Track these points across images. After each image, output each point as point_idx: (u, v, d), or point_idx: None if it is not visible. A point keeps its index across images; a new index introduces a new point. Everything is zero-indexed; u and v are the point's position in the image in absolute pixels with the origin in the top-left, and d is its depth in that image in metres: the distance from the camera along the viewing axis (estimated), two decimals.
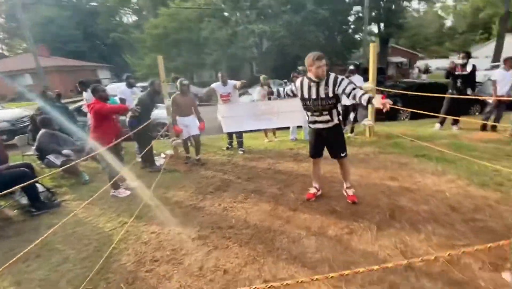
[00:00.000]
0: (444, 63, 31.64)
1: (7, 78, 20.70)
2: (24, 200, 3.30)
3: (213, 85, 5.14)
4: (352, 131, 5.78)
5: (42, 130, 3.83)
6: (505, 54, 16.87)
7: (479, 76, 7.40)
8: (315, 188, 3.00)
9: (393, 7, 22.32)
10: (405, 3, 23.32)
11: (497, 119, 5.21)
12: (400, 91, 7.97)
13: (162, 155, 5.16)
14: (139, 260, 2.18)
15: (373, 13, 22.18)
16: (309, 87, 2.52)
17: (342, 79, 2.47)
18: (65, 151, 3.83)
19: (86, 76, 26.19)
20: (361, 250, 2.07)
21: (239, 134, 5.16)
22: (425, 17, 42.51)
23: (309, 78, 2.50)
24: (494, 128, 5.27)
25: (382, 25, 23.80)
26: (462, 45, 39.08)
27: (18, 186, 1.91)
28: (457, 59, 5.38)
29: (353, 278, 1.80)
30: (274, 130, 6.00)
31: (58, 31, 29.59)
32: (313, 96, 2.52)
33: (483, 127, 5.35)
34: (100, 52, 35.73)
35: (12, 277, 2.11)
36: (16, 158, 4.76)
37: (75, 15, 32.18)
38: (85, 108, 5.74)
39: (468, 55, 5.25)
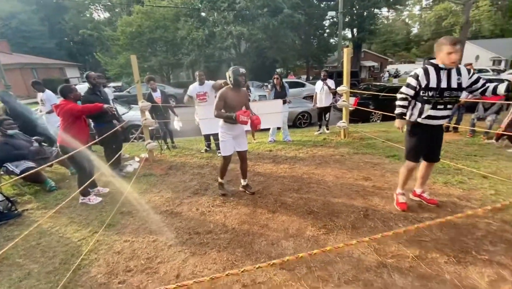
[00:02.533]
0: (411, 67, 33.74)
1: None
2: None
3: (190, 87, 5.05)
4: (327, 129, 6.28)
5: None
6: (465, 60, 18.37)
7: None
8: (403, 194, 2.73)
9: (365, 13, 23.40)
10: (376, 10, 24.53)
11: (458, 121, 5.64)
12: (373, 94, 8.34)
13: (136, 159, 4.96)
14: (111, 271, 2.06)
15: (347, 19, 23.10)
16: (438, 76, 2.20)
17: (473, 71, 2.32)
18: (24, 164, 3.51)
19: (52, 75, 24.58)
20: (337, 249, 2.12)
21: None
22: (394, 24, 45.14)
23: (435, 66, 2.21)
24: (456, 129, 5.71)
25: (355, 30, 24.85)
26: (428, 51, 42.06)
27: None
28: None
29: (329, 277, 1.84)
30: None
31: (21, 26, 27.49)
32: (443, 85, 2.19)
33: (446, 129, 5.76)
34: (69, 49, 33.73)
35: None
36: None
37: (40, 10, 30.10)
38: (38, 113, 5.20)
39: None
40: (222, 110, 2.85)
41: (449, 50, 2.10)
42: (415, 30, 51.03)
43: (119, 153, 4.11)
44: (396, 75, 22.50)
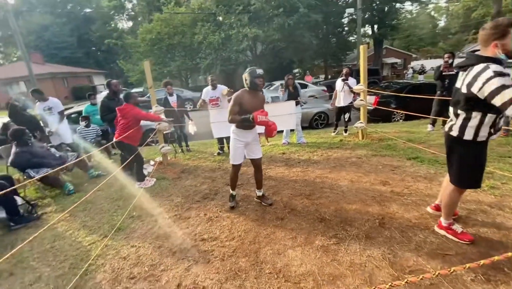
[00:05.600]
0: (437, 63, 31.97)
1: (1, 86, 20.55)
2: (2, 214, 3.17)
3: (203, 91, 5.08)
4: (345, 131, 5.87)
5: (16, 150, 3.62)
6: None
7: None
8: (454, 223, 2.17)
9: (386, 8, 22.45)
10: (398, 5, 23.45)
11: None
12: (393, 93, 7.92)
13: (151, 162, 5.05)
14: (116, 277, 2.06)
15: (366, 15, 22.31)
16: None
17: None
18: (45, 170, 3.67)
19: (81, 83, 26.13)
20: (348, 261, 1.97)
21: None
22: (418, 18, 42.99)
23: (496, 60, 1.69)
24: None
25: (375, 26, 23.92)
26: (456, 45, 39.57)
27: None
28: (446, 59, 5.33)
29: None
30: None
31: (52, 38, 29.56)
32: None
33: None
34: (95, 58, 35.71)
35: None
36: (0, 168, 4.64)
37: (70, 22, 32.15)
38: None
39: (452, 55, 5.23)
40: (237, 115, 2.61)
41: None
42: (441, 23, 48.29)
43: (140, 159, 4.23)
44: (422, 71, 21.12)
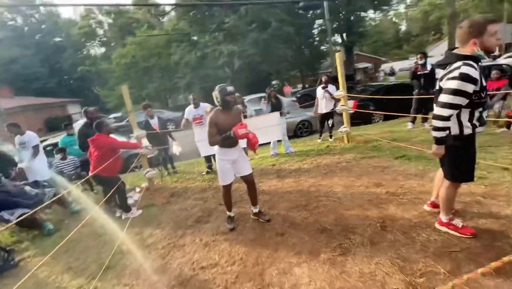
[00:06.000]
0: (405, 64, 33.91)
1: None
2: None
3: (186, 110, 4.98)
4: (331, 137, 5.93)
5: None
6: None
7: (439, 74, 7.87)
8: (453, 218, 2.15)
9: (352, 17, 23.74)
10: (363, 13, 24.91)
11: None
12: (371, 96, 8.21)
13: (137, 189, 4.81)
14: None
15: (335, 25, 23.43)
16: (480, 72, 1.73)
17: None
18: (19, 210, 3.37)
19: (55, 113, 25.05)
20: (357, 272, 1.89)
21: None
22: (382, 24, 45.83)
23: (474, 58, 1.73)
24: None
25: (344, 35, 25.13)
26: (418, 46, 42.34)
27: None
28: (417, 60, 5.63)
29: None
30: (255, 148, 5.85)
31: (22, 70, 28.41)
32: (484, 82, 1.76)
33: None
34: (69, 87, 34.59)
35: None
36: None
37: (40, 52, 31.18)
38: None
39: (425, 55, 5.54)
40: (216, 136, 2.53)
41: (495, 28, 1.68)
42: (403, 27, 51.80)
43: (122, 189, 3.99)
44: (392, 73, 22.53)
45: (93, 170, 3.48)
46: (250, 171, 2.79)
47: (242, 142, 2.87)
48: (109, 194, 3.40)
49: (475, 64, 1.71)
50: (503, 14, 23.13)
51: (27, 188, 3.83)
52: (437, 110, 1.83)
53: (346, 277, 1.87)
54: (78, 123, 7.91)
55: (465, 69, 1.68)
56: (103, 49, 36.25)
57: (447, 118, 1.80)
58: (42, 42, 32.87)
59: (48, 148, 6.33)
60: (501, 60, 15.09)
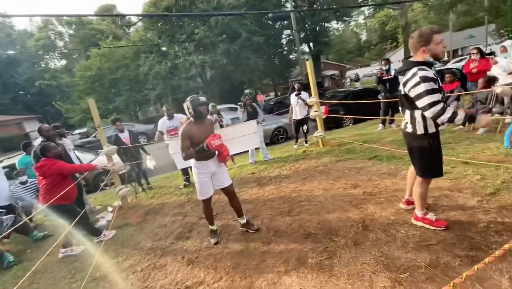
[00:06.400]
0: (367, 70, 36.25)
1: None
2: None
3: (159, 122, 4.82)
4: (306, 142, 6.06)
5: None
6: None
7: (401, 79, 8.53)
8: (427, 212, 2.28)
9: (318, 28, 25.00)
10: (326, 24, 26.38)
11: None
12: (340, 102, 8.59)
13: (109, 209, 4.50)
14: None
15: (302, 35, 24.46)
16: (435, 74, 1.91)
17: None
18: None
19: (10, 131, 22.81)
20: (345, 274, 1.91)
21: None
22: (345, 34, 48.88)
23: (427, 63, 1.93)
24: None
25: (311, 44, 26.32)
26: (378, 54, 45.79)
27: None
28: (381, 66, 6.03)
29: None
30: (233, 157, 5.80)
31: None
32: (440, 83, 1.93)
33: None
34: (25, 103, 31.86)
35: None
36: None
37: None
38: None
39: (388, 62, 5.96)
40: (190, 149, 2.44)
41: (441, 37, 1.90)
42: (364, 37, 55.68)
43: (84, 209, 3.67)
44: (357, 79, 24.09)
45: (43, 201, 2.99)
46: (230, 182, 2.72)
47: (220, 164, 2.79)
48: (71, 225, 3.02)
49: (428, 68, 1.91)
50: (449, 24, 25.85)
51: None
52: (429, 113, 1.87)
53: (335, 281, 1.88)
54: (37, 142, 7.26)
55: (422, 73, 1.86)
56: (63, 62, 34.13)
57: (443, 109, 1.84)
58: None
59: (5, 170, 5.69)
60: (451, 65, 16.76)
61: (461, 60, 18.24)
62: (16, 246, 3.81)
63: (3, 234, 2.75)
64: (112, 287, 2.37)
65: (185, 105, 2.50)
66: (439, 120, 1.90)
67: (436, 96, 1.84)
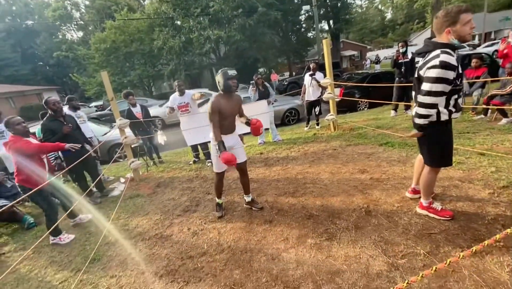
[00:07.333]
0: (389, 52, 34.33)
1: None
2: None
3: (170, 98, 4.83)
4: (317, 124, 5.98)
5: None
6: None
7: (419, 62, 8.06)
8: (433, 202, 2.25)
9: (339, 4, 23.58)
10: (349, 0, 24.78)
11: None
12: (356, 84, 8.29)
13: (122, 180, 4.70)
14: None
15: (322, 11, 23.21)
16: (457, 59, 1.78)
17: None
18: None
19: (30, 102, 23.72)
20: (343, 256, 1.95)
21: (204, 145, 4.89)
22: (368, 12, 45.93)
23: (451, 46, 1.78)
24: None
25: (331, 22, 25.01)
26: (403, 34, 42.97)
27: None
28: (398, 48, 5.69)
29: None
30: (242, 137, 5.82)
31: None
32: (460, 69, 1.80)
33: None
34: (44, 74, 32.71)
35: None
36: None
37: (10, 37, 29.05)
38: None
39: (406, 43, 5.60)
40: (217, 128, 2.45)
41: (469, 17, 1.72)
42: (388, 15, 52.15)
43: (99, 177, 3.85)
44: (378, 61, 22.81)
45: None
46: (245, 159, 2.77)
47: (240, 130, 2.85)
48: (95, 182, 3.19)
49: (452, 52, 1.76)
50: (484, 3, 23.68)
51: (5, 179, 3.65)
52: (420, 98, 1.87)
53: (332, 261, 1.92)
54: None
55: (444, 57, 1.72)
56: (80, 33, 34.25)
57: (430, 106, 1.84)
58: (12, 25, 30.59)
59: None
60: (481, 49, 15.59)
61: (493, 44, 16.90)
62: (36, 208, 4.08)
63: (22, 197, 2.93)
64: (122, 252, 2.53)
65: (216, 78, 2.53)
66: (416, 110, 1.90)
67: (442, 87, 1.76)
